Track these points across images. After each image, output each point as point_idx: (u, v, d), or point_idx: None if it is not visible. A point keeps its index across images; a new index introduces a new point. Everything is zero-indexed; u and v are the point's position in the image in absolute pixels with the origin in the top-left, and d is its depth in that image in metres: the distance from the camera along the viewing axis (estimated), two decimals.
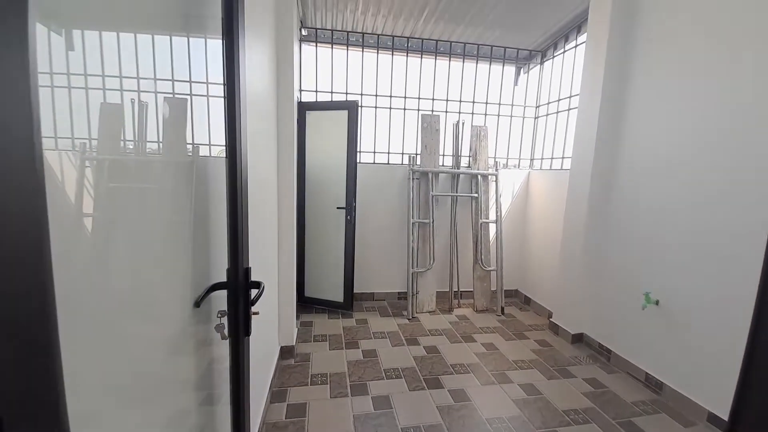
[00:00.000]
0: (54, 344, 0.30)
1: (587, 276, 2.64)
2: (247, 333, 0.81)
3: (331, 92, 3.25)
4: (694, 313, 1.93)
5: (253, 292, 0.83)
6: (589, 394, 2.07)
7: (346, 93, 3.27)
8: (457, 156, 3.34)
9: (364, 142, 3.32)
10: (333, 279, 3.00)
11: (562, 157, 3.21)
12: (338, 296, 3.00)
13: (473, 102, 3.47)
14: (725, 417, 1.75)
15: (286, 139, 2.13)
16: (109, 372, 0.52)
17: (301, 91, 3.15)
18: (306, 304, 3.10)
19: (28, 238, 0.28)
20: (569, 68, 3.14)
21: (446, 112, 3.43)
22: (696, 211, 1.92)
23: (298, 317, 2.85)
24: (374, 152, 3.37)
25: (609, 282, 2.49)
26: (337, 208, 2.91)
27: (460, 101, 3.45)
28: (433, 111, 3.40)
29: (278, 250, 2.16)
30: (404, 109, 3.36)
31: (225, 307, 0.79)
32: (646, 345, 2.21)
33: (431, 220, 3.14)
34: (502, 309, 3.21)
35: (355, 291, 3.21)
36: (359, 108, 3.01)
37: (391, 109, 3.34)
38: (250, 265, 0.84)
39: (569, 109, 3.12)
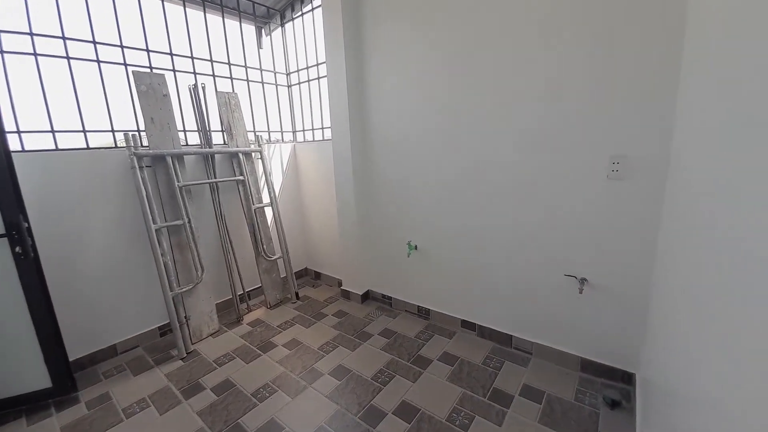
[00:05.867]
0: None
1: (364, 239, 2.83)
2: None
3: None
4: (440, 249, 2.41)
5: None
6: (386, 346, 2.26)
7: None
8: (205, 131, 2.61)
9: (27, 116, 1.96)
10: (17, 359, 1.73)
11: (323, 128, 3.18)
12: (39, 381, 1.79)
13: (212, 61, 2.75)
14: (473, 320, 2.34)
15: None
16: None
17: None
18: None
19: None
20: (311, 33, 3.01)
21: (174, 70, 2.55)
22: (433, 163, 2.31)
23: None
24: (53, 131, 2.07)
25: (381, 240, 2.76)
26: None
27: (193, 58, 2.64)
28: (152, 68, 2.43)
29: None
30: (98, 61, 2.19)
31: None
32: (413, 284, 2.63)
33: (186, 220, 2.36)
34: (297, 294, 3.02)
35: (77, 357, 2.05)
36: None
37: (70, 59, 2.09)
38: None
39: (319, 78, 3.05)
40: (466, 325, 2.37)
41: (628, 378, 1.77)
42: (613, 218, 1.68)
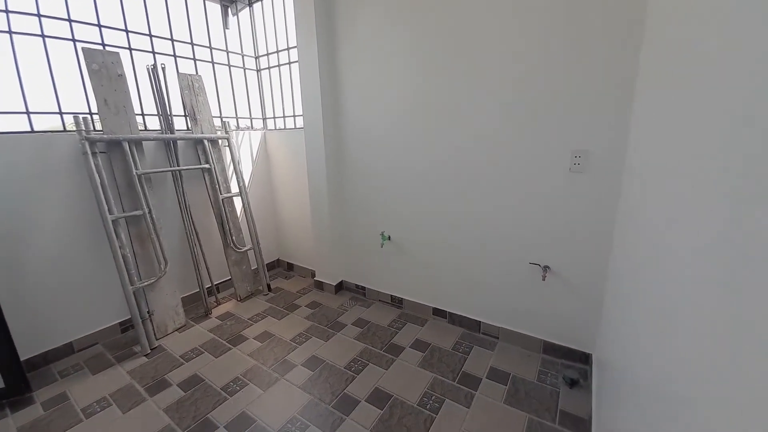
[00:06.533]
0: None
1: (337, 230, 2.81)
2: None
3: None
4: (413, 240, 2.44)
5: None
6: (359, 336, 2.28)
7: None
8: (166, 116, 2.45)
9: None
10: None
11: (294, 115, 3.08)
12: None
13: (172, 40, 2.57)
14: (444, 308, 2.40)
15: None
16: None
17: None
18: None
19: None
20: (281, 15, 2.89)
21: (130, 49, 2.36)
22: (407, 154, 2.31)
23: None
24: None
25: (354, 230, 2.75)
26: None
27: (151, 35, 2.45)
28: (104, 45, 2.24)
29: None
30: (42, 36, 1.99)
31: None
32: (387, 274, 2.66)
33: (146, 210, 2.23)
34: (269, 286, 2.97)
35: (29, 356, 1.92)
36: None
37: (12, 34, 1.88)
38: None
39: (290, 63, 2.94)
40: (438, 312, 2.43)
41: (585, 358, 1.90)
42: (574, 209, 1.77)
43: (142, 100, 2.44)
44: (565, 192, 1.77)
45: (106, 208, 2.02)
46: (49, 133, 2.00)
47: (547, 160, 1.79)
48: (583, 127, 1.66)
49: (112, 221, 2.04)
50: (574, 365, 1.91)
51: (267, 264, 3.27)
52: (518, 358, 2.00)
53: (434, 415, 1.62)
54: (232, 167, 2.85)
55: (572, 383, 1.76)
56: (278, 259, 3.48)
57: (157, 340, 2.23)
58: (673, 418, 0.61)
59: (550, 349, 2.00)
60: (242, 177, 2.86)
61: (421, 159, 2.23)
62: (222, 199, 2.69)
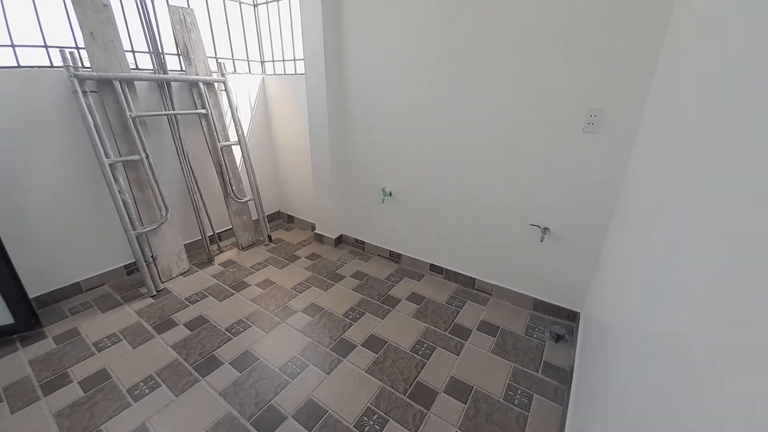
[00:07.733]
0: None
1: (338, 183, 2.78)
2: None
3: None
4: (414, 196, 2.42)
5: None
6: (357, 287, 2.36)
7: None
8: (157, 53, 2.30)
9: None
10: None
11: (294, 59, 2.90)
12: (2, 316, 1.74)
13: None
14: (439, 264, 2.46)
15: None
16: None
17: None
18: None
19: None
20: None
21: None
22: (413, 108, 2.22)
23: None
24: None
25: (355, 185, 2.73)
26: None
27: None
28: None
29: None
30: None
31: None
32: (386, 229, 2.68)
33: (144, 155, 2.18)
34: (269, 237, 3.01)
35: (37, 294, 1.99)
36: None
37: None
38: None
39: None
40: (434, 268, 2.49)
41: (573, 316, 1.98)
42: (583, 171, 1.72)
43: (131, 36, 2.27)
44: (577, 153, 1.71)
45: (102, 151, 1.97)
46: (36, 69, 1.88)
47: (561, 115, 1.70)
48: (603, 80, 1.56)
49: (109, 165, 2.01)
50: (561, 322, 2.00)
51: (267, 215, 3.28)
52: (508, 314, 2.08)
53: (425, 360, 1.72)
54: (229, 114, 2.74)
55: (558, 338, 1.85)
56: (278, 211, 3.50)
57: (162, 283, 2.31)
58: (651, 361, 0.64)
59: (540, 306, 2.08)
60: (241, 125, 2.76)
61: (428, 112, 2.13)
62: (221, 148, 2.62)
